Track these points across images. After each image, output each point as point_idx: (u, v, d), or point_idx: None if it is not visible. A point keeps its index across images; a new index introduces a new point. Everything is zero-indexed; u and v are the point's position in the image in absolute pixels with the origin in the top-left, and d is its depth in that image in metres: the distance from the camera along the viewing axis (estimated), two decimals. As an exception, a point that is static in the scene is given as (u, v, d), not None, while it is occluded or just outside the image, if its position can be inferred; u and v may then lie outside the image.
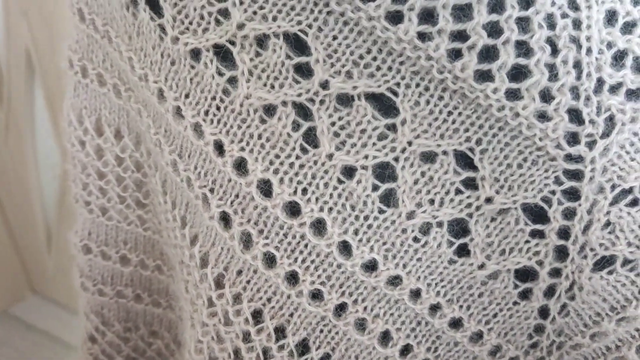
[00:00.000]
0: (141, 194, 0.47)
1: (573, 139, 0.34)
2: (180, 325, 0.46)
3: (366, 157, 0.34)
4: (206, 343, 0.36)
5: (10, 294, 2.32)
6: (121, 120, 0.44)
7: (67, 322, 2.28)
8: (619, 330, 0.35)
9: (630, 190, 0.35)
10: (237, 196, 0.35)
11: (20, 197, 2.05)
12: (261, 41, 0.34)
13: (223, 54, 0.34)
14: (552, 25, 0.33)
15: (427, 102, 0.34)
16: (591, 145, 0.34)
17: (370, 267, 0.35)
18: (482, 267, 0.36)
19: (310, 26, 0.33)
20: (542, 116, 0.34)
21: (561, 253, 0.36)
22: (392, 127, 0.34)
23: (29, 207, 2.06)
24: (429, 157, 0.34)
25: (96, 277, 0.50)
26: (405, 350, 0.36)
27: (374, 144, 0.34)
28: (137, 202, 0.47)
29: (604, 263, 0.36)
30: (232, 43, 0.34)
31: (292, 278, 0.34)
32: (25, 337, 2.29)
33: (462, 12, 0.33)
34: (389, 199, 0.35)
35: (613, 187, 0.35)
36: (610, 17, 0.34)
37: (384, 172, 0.35)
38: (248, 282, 0.35)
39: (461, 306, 0.36)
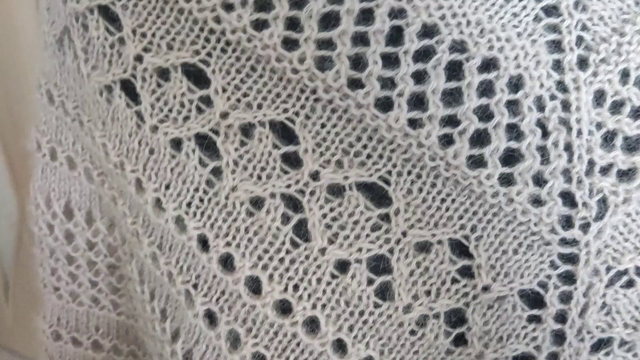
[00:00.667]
0: (114, 278, 0.44)
1: (567, 222, 0.34)
2: None
3: (360, 250, 0.33)
4: None
5: None
6: (93, 204, 0.41)
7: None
8: None
9: (625, 272, 0.35)
10: (223, 293, 0.33)
11: (-26, 247, 1.99)
12: (246, 130, 0.32)
13: (206, 143, 0.33)
14: (541, 108, 0.33)
15: (420, 190, 0.33)
16: (585, 228, 0.34)
17: None
18: (480, 356, 0.35)
19: (297, 114, 0.32)
20: (536, 201, 0.33)
21: (558, 337, 0.36)
22: (386, 218, 0.33)
23: (-16, 258, 2.00)
24: (423, 247, 0.34)
25: None
26: None
27: (367, 235, 0.33)
28: (110, 287, 0.45)
29: (602, 345, 0.36)
30: (216, 132, 0.32)
31: None
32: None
33: (452, 97, 0.32)
34: (384, 292, 0.34)
35: (608, 269, 0.35)
36: (599, 98, 0.34)
37: (379, 264, 0.34)
38: None
39: None
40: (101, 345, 0.46)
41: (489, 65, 0.32)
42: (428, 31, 0.31)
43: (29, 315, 1.75)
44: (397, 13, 0.30)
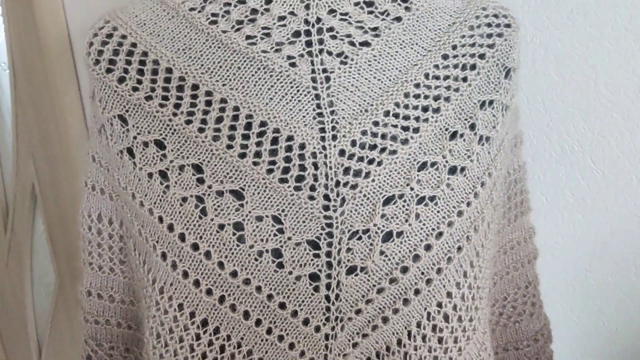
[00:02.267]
0: (122, 255, 0.70)
1: (326, 208, 0.57)
2: (143, 343, 0.69)
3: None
4: (155, 327, 0.59)
5: None
6: (112, 213, 0.68)
7: None
8: (367, 307, 0.57)
9: (357, 232, 0.56)
10: (169, 244, 0.59)
11: (16, 313, 2.23)
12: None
13: (163, 172, 0.61)
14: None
15: None
16: (335, 211, 0.57)
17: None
18: (291, 273, 0.57)
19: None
20: (311, 197, 0.56)
21: (329, 265, 0.56)
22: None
23: (23, 325, 2.23)
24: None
25: (93, 312, 0.72)
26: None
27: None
28: (120, 261, 0.69)
29: (351, 270, 0.56)
30: (167, 169, 0.60)
31: (197, 284, 0.57)
32: None
33: None
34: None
35: (349, 230, 0.56)
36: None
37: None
38: (175, 290, 0.59)
39: (279, 293, 0.55)
40: (114, 298, 0.70)
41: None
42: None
43: None
44: None
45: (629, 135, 0.87)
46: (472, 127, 0.58)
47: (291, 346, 0.56)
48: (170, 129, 0.56)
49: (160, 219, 0.56)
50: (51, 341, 2.21)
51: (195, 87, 0.56)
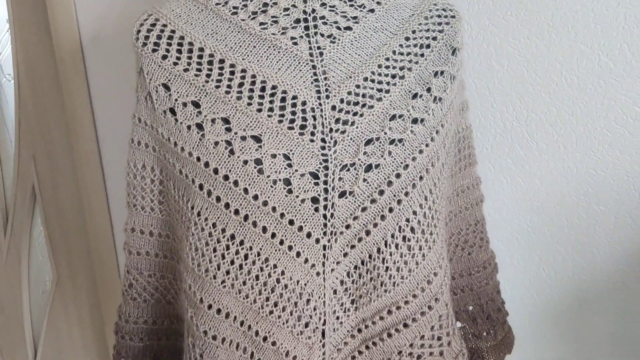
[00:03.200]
0: (161, 197, 0.84)
1: (323, 147, 0.75)
2: (176, 270, 0.84)
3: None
4: (193, 242, 0.74)
5: None
6: (154, 162, 0.82)
7: None
8: (354, 223, 0.75)
9: (346, 165, 0.73)
10: (204, 176, 0.75)
11: (12, 312, 2.32)
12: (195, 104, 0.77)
13: (199, 125, 0.77)
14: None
15: None
16: (331, 149, 0.75)
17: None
18: (297, 197, 0.71)
19: None
20: (312, 141, 0.77)
21: (326, 190, 0.73)
22: None
23: (19, 324, 2.32)
24: None
25: (135, 245, 0.85)
26: None
27: None
28: (159, 201, 0.84)
29: (342, 194, 0.73)
30: (202, 122, 0.77)
31: (227, 206, 0.72)
32: None
33: None
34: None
35: (340, 164, 0.72)
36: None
37: None
38: (210, 212, 0.74)
39: (289, 212, 0.71)
40: (153, 233, 0.85)
41: None
42: None
43: None
44: None
45: (555, 111, 1.09)
46: (429, 90, 0.78)
47: (298, 254, 0.74)
48: (203, 92, 0.74)
49: (198, 159, 0.74)
50: (47, 339, 2.30)
51: (221, 61, 0.75)
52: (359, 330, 0.78)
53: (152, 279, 0.86)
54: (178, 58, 0.75)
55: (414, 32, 0.79)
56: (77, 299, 2.13)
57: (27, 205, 2.06)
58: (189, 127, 0.74)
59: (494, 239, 1.17)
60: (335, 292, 0.76)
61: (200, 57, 0.75)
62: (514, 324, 1.23)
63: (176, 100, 0.74)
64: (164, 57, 0.75)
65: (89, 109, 1.63)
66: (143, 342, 0.88)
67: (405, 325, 0.77)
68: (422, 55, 0.78)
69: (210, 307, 0.74)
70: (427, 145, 0.76)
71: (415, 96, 0.77)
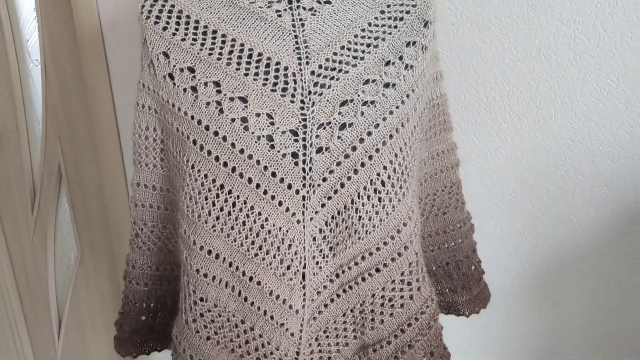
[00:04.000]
0: (162, 154, 0.93)
1: (302, 108, 0.85)
2: (175, 221, 0.93)
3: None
4: (188, 191, 0.84)
5: None
6: (156, 124, 0.91)
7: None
8: (330, 176, 0.83)
9: (322, 124, 0.81)
10: (197, 132, 0.84)
11: (38, 287, 2.46)
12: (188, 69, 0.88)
13: (194, 87, 0.87)
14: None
15: None
16: (309, 109, 0.84)
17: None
18: (279, 152, 0.80)
19: None
20: (293, 102, 0.87)
21: (305, 147, 0.81)
22: None
23: (44, 298, 2.46)
24: None
25: (140, 198, 0.95)
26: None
27: None
28: (161, 159, 0.94)
29: (319, 150, 0.81)
30: (196, 85, 0.88)
31: (217, 159, 0.80)
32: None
33: None
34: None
35: (318, 123, 0.81)
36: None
37: None
38: (202, 165, 0.82)
39: (272, 165, 0.80)
40: (156, 187, 0.95)
41: None
42: None
43: (78, 352, 2.25)
44: None
45: (535, 85, 1.16)
46: (401, 58, 0.86)
47: (280, 203, 0.84)
48: (198, 59, 0.84)
49: (192, 117, 0.84)
50: (70, 312, 2.43)
51: (214, 32, 0.85)
52: (337, 276, 0.87)
53: (155, 229, 0.96)
54: (177, 29, 0.85)
55: (388, 6, 0.88)
56: (98, 274, 2.26)
57: (53, 184, 2.19)
58: (184, 90, 0.84)
59: (479, 208, 1.25)
60: (314, 239, 0.85)
61: (195, 28, 0.85)
62: (498, 289, 1.31)
63: (174, 66, 0.84)
64: (164, 28, 0.85)
65: (109, 91, 1.75)
66: (147, 286, 0.99)
67: (377, 270, 0.86)
68: (395, 27, 0.87)
69: (202, 248, 0.83)
70: (397, 108, 0.84)
71: (388, 63, 0.85)
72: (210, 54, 0.83)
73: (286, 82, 0.82)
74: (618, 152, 1.13)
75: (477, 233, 1.26)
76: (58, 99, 2.01)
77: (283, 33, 0.84)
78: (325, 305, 0.88)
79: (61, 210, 2.27)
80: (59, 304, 2.46)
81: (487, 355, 1.39)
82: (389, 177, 0.84)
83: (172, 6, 0.86)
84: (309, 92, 0.82)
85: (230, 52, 0.83)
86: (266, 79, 0.82)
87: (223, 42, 0.84)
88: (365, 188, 0.83)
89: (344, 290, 0.88)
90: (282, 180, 0.82)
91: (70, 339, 2.46)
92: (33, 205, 2.28)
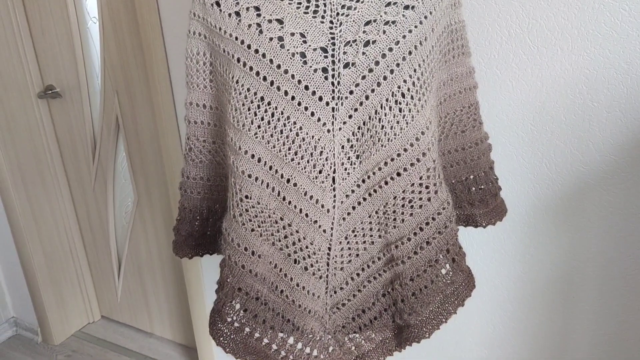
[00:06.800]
0: (211, 76, 1.06)
1: (331, 27, 0.97)
2: (223, 136, 1.06)
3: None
4: (233, 103, 0.96)
5: (85, 316, 2.89)
6: (206, 48, 1.03)
7: (132, 338, 2.80)
8: (356, 89, 0.95)
9: (349, 41, 0.92)
10: (241, 52, 0.96)
11: (99, 231, 2.68)
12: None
13: (237, 12, 0.99)
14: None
15: None
16: (337, 28, 0.98)
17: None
18: (311, 67, 0.94)
19: None
20: (322, 22, 0.98)
21: (333, 62, 0.93)
22: None
23: (105, 241, 2.68)
24: None
25: (193, 115, 1.07)
26: None
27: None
28: (210, 80, 1.06)
29: (346, 65, 0.92)
30: (239, 11, 0.99)
31: (257, 74, 0.94)
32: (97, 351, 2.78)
33: None
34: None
35: (345, 40, 0.92)
36: None
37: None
38: (245, 80, 0.96)
39: (305, 79, 0.91)
40: (206, 105, 1.07)
41: None
42: None
43: (136, 292, 2.48)
44: None
45: (553, 17, 1.24)
46: None
47: (312, 114, 0.96)
48: None
49: (236, 38, 0.96)
50: (129, 254, 2.64)
51: None
52: (363, 181, 0.99)
53: (206, 143, 1.11)
54: None
55: None
56: (154, 218, 2.45)
57: (112, 135, 2.37)
58: (229, 15, 0.96)
59: (501, 137, 1.34)
60: (342, 147, 0.97)
61: None
62: (519, 214, 1.40)
63: None
64: None
65: (162, 46, 1.90)
66: (200, 195, 1.14)
67: (398, 174, 0.97)
68: None
69: (246, 152, 0.97)
70: (415, 27, 0.95)
71: None
72: None
73: (317, 5, 0.94)
74: (631, 79, 1.20)
75: (500, 160, 1.36)
76: (115, 55, 2.18)
77: None
78: (353, 207, 1.01)
79: (119, 159, 2.46)
80: (119, 247, 2.67)
81: (506, 276, 1.49)
82: (408, 89, 0.95)
83: None
84: (337, 14, 0.94)
85: None
86: (299, 3, 0.94)
87: None
88: (387, 100, 0.95)
89: (370, 194, 1.00)
90: (314, 93, 0.94)
91: (128, 279, 2.68)
92: (94, 155, 2.47)
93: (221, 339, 1.05)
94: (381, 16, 0.93)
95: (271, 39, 0.93)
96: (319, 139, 0.96)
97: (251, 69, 0.95)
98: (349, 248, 1.02)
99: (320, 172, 0.97)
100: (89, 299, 2.83)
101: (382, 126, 0.95)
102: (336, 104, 0.95)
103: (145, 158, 2.32)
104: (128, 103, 2.24)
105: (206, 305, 2.22)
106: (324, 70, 0.94)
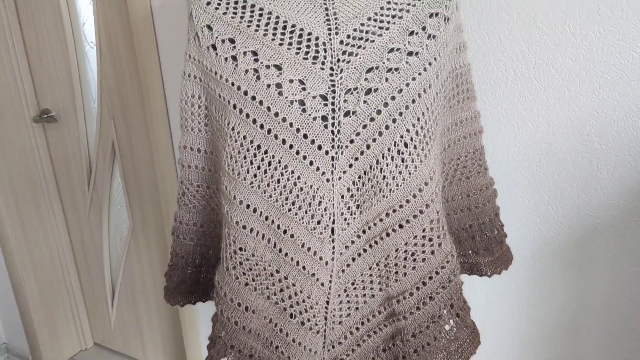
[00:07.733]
0: (206, 120, 1.03)
1: (332, 74, 0.93)
2: (218, 181, 1.02)
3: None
4: (228, 151, 0.93)
5: (77, 343, 2.83)
6: (200, 91, 1.00)
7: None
8: (357, 138, 0.90)
9: (350, 89, 0.89)
10: (238, 98, 0.92)
11: (93, 258, 2.63)
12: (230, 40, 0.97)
13: (234, 57, 0.96)
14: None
15: None
16: (337, 76, 0.92)
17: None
18: (310, 115, 0.91)
19: None
20: (323, 69, 0.93)
21: (333, 110, 0.91)
22: None
23: (99, 268, 2.63)
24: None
25: (187, 160, 1.04)
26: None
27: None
28: (205, 124, 1.03)
29: (347, 113, 0.89)
30: (236, 55, 0.97)
31: (254, 122, 0.91)
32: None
33: None
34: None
35: (346, 88, 0.88)
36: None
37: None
38: (241, 127, 0.91)
39: (303, 128, 0.87)
40: (200, 149, 1.05)
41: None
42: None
43: (129, 319, 2.42)
44: None
45: (560, 58, 1.20)
46: (424, 28, 0.93)
47: (311, 163, 0.92)
48: (238, 31, 0.93)
49: (232, 84, 0.93)
50: (123, 282, 2.58)
51: (252, 6, 0.93)
52: (364, 232, 0.95)
53: (200, 188, 1.06)
54: (219, 4, 0.94)
55: None
56: (149, 245, 2.40)
57: (107, 161, 2.33)
58: (226, 59, 0.92)
59: (506, 179, 1.30)
60: (342, 197, 0.93)
61: (236, 3, 0.94)
62: (524, 257, 1.36)
63: (217, 37, 0.93)
64: (208, 3, 0.94)
65: (159, 73, 1.86)
66: (193, 241, 1.09)
67: (401, 226, 0.93)
68: (419, 0, 0.93)
69: (241, 202, 0.92)
70: (419, 74, 0.91)
71: (411, 33, 0.92)
72: (248, 26, 0.92)
73: (317, 51, 0.90)
74: (642, 122, 1.16)
75: (505, 202, 1.31)
76: (112, 80, 2.14)
77: (315, 6, 0.92)
78: (353, 259, 0.96)
79: (115, 185, 2.41)
80: (113, 274, 2.61)
81: (511, 321, 1.44)
82: (411, 139, 0.91)
83: None
84: (338, 60, 0.90)
85: (267, 24, 0.92)
86: (299, 48, 0.90)
87: (260, 15, 0.92)
88: (389, 149, 0.90)
89: (370, 245, 0.95)
90: (312, 141, 0.90)
91: (122, 306, 2.62)
92: (89, 180, 2.42)
93: (213, 396, 1.00)
94: (384, 63, 0.89)
95: (269, 85, 0.89)
96: (317, 189, 0.91)
97: (248, 116, 0.91)
98: (348, 301, 0.98)
99: (318, 222, 0.93)
100: (82, 326, 2.78)
101: (384, 176, 0.91)
102: (336, 153, 0.91)
103: (141, 184, 2.28)
104: (124, 129, 2.20)
105: (200, 335, 2.17)
106: (324, 118, 0.90)
